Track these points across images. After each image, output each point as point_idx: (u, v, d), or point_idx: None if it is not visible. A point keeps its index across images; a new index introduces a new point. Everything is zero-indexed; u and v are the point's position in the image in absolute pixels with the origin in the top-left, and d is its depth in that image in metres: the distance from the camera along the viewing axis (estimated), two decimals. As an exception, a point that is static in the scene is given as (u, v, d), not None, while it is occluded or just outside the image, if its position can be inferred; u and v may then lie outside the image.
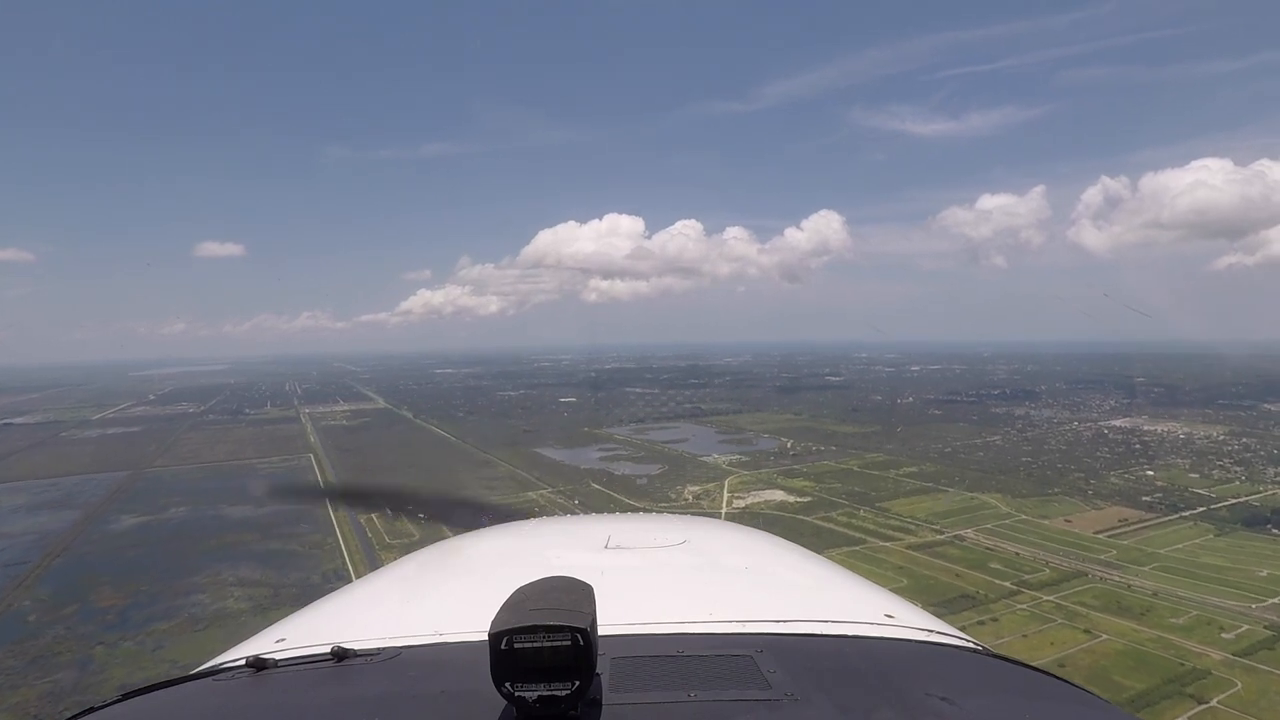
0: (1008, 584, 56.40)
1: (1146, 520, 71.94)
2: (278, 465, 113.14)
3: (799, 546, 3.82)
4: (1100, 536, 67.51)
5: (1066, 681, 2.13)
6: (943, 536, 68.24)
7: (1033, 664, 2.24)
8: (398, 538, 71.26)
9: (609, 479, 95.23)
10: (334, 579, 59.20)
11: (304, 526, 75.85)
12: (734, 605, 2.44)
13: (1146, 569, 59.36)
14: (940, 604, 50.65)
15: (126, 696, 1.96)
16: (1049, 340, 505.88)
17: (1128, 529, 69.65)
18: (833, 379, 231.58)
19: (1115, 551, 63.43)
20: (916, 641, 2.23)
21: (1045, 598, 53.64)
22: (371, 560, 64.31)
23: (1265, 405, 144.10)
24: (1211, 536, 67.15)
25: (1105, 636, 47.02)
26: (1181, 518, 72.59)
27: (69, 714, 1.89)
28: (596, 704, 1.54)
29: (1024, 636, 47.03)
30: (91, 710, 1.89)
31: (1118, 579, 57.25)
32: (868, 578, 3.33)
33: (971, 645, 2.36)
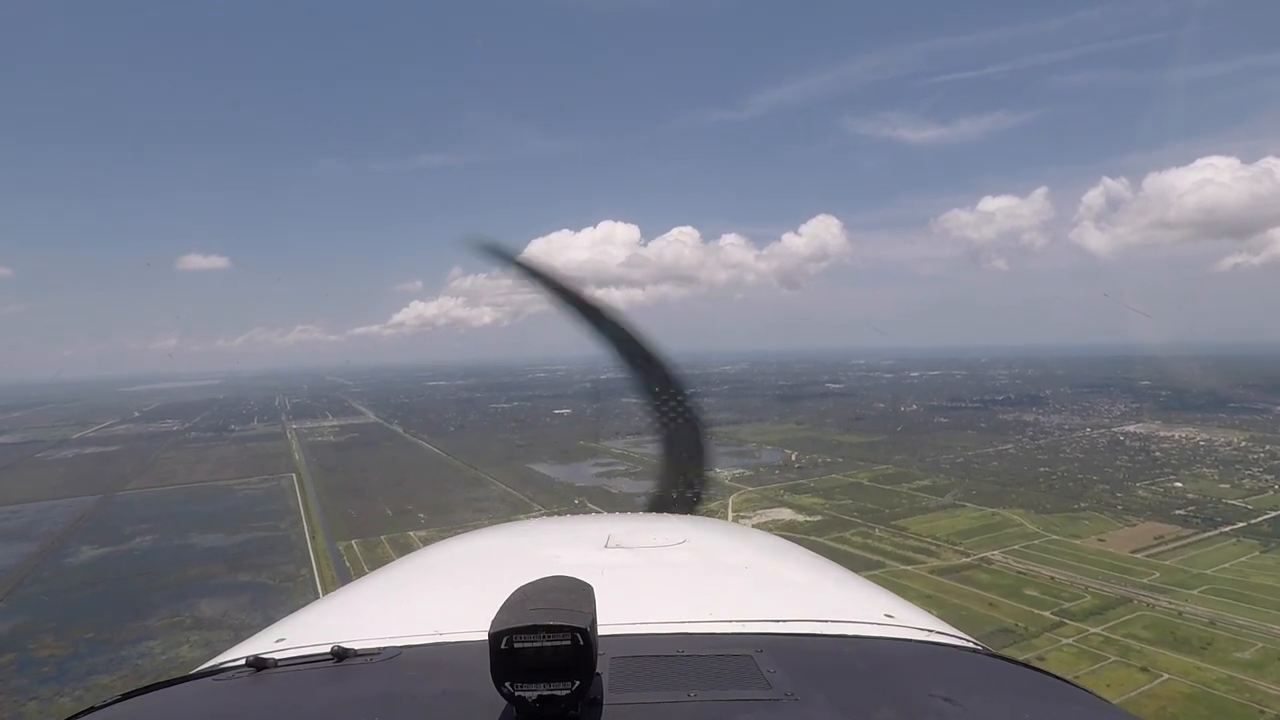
0: (1048, 614, 51.22)
1: (1184, 537, 66.90)
2: (257, 486, 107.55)
3: (799, 546, 3.77)
4: (1138, 556, 62.43)
5: (1067, 681, 2.11)
6: (968, 559, 63.03)
7: (1033, 664, 2.21)
8: (377, 567, 65.81)
9: (606, 498, 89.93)
10: (303, 619, 53.68)
11: (277, 556, 70.41)
12: (734, 605, 2.41)
13: (1195, 592, 54.32)
14: (978, 639, 45.40)
15: (126, 696, 1.95)
16: (1047, 344, 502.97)
17: (1166, 547, 64.58)
18: (833, 386, 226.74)
19: (1158, 574, 58.35)
20: (916, 641, 2.21)
21: (1092, 630, 48.49)
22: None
23: (1279, 409, 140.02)
24: (1258, 553, 62.15)
25: (1167, 676, 41.88)
26: (1222, 533, 67.58)
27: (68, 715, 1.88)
28: (596, 704, 1.54)
29: (1075, 678, 41.63)
30: (91, 710, 1.87)
31: (1166, 605, 52.17)
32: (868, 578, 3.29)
33: (971, 645, 2.33)
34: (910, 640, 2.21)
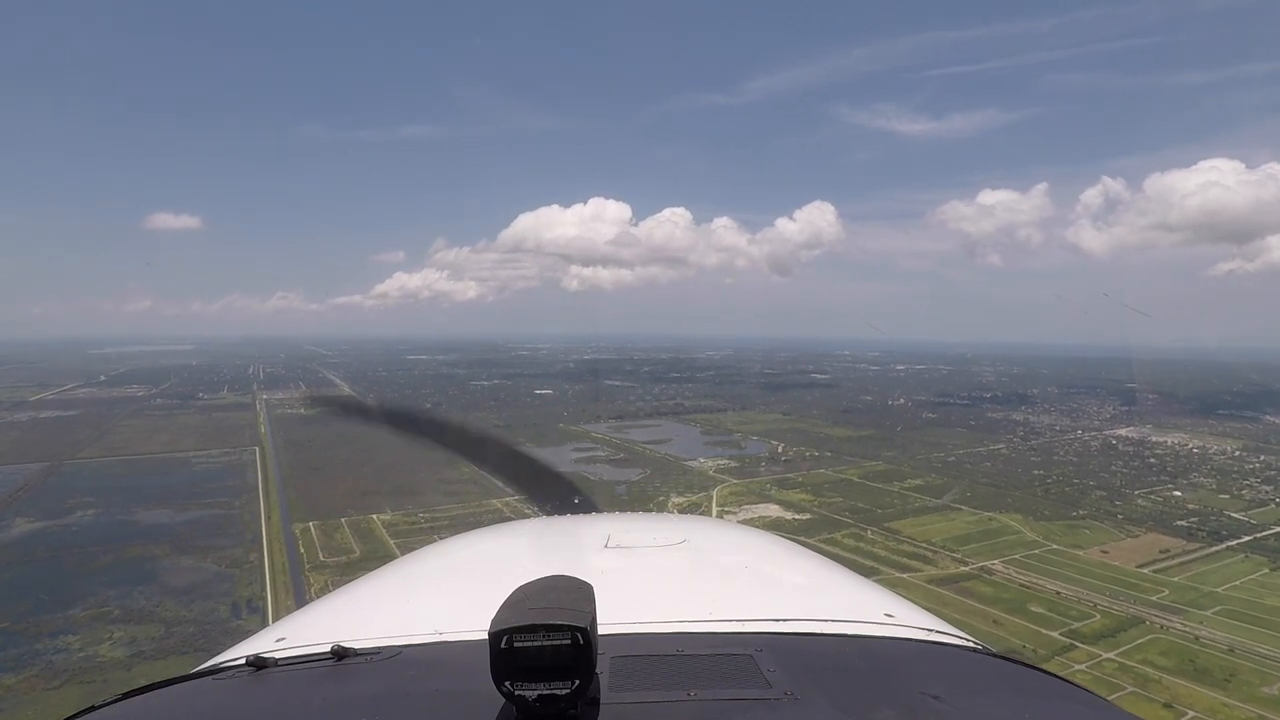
0: (1056, 634, 47.58)
1: (1190, 551, 63.71)
2: (216, 459, 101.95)
3: (799, 545, 3.75)
4: (1145, 571, 59.09)
5: (1067, 681, 2.14)
6: (967, 568, 59.32)
7: (1033, 663, 2.22)
8: (334, 554, 61.18)
9: (584, 485, 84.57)
10: (245, 612, 49.01)
11: (226, 538, 65.15)
12: (734, 604, 2.44)
13: (1209, 614, 50.99)
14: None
15: (127, 696, 1.97)
16: (1030, 342, 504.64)
17: (1172, 562, 61.36)
18: (818, 377, 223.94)
19: (1168, 591, 54.99)
20: (916, 641, 2.24)
21: (1105, 654, 44.88)
22: (296, 584, 54.17)
23: (1268, 417, 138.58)
24: (1268, 572, 59.02)
25: (1193, 715, 38.24)
26: (1229, 548, 64.50)
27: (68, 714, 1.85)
28: (596, 703, 1.55)
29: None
30: (92, 709, 1.89)
31: (1181, 628, 48.74)
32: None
33: (971, 644, 2.36)
34: (910, 640, 2.21)
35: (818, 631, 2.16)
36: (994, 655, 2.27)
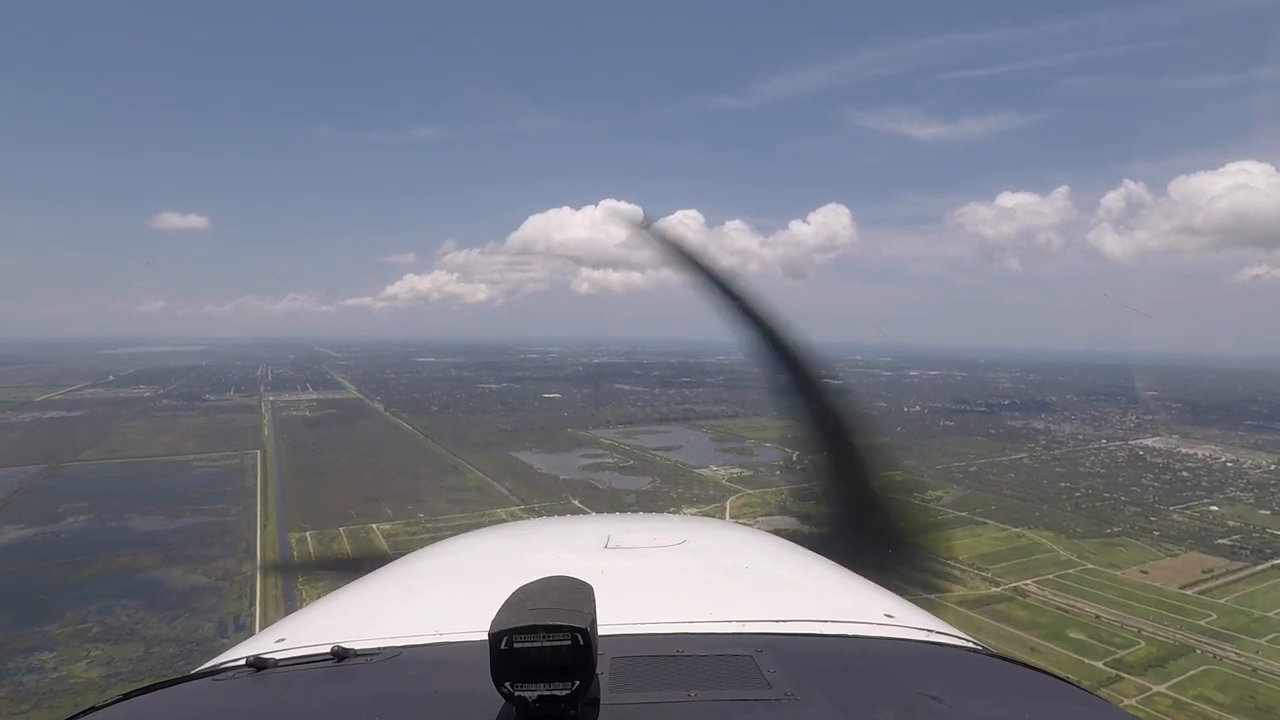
0: (1100, 664, 44.05)
1: (1235, 571, 59.92)
2: (217, 462, 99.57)
3: (799, 546, 3.70)
4: (1189, 593, 55.39)
5: (1067, 681, 2.14)
6: (999, 589, 55.84)
7: (1033, 663, 2.23)
8: (327, 568, 58.23)
9: (592, 494, 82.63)
10: (231, 629, 46.28)
11: (219, 548, 62.52)
12: (734, 605, 2.43)
13: (1264, 641, 47.28)
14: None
15: (127, 696, 1.96)
16: (1047, 348, 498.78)
17: (1216, 582, 57.63)
18: (831, 382, 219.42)
19: (1215, 615, 51.31)
20: (916, 641, 2.23)
21: (1155, 688, 41.30)
22: (288, 599, 51.34)
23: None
24: (1320, 595, 55.19)
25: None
26: (1275, 568, 60.65)
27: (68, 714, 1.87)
28: (596, 704, 1.55)
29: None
30: (92, 710, 1.89)
31: (1234, 657, 45.10)
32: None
33: (971, 645, 2.35)
34: (910, 640, 2.22)
35: (818, 632, 2.14)
36: (994, 656, 2.24)
